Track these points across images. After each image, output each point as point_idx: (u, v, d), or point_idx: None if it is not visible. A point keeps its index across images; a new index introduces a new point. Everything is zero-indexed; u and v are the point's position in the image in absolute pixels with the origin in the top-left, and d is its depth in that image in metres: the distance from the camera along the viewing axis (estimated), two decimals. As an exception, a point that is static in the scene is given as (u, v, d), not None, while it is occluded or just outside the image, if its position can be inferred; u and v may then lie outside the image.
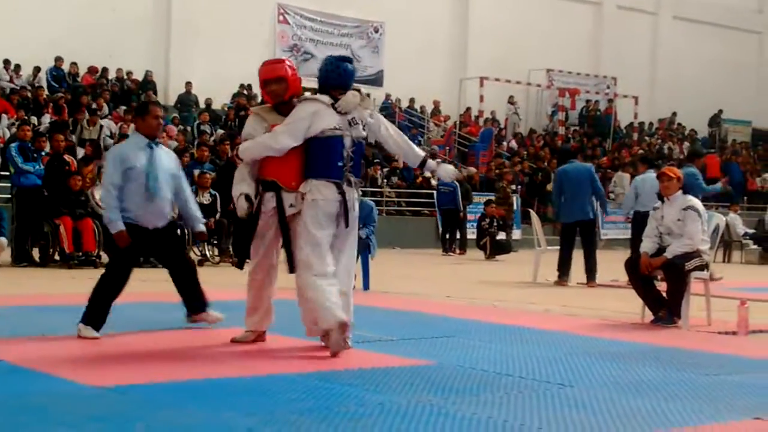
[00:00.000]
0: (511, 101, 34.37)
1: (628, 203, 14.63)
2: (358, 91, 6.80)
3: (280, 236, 6.86)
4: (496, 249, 20.65)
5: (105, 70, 26.22)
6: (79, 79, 25.69)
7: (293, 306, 6.80)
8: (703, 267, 9.10)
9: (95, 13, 26.43)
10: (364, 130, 6.86)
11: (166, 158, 7.69)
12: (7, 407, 4.88)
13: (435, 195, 24.06)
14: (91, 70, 25.97)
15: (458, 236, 22.51)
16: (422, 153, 7.15)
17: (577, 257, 13.90)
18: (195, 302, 7.88)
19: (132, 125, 19.12)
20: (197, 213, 8.02)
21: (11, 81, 24.33)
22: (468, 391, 5.53)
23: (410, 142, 7.18)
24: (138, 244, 7.44)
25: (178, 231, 8.72)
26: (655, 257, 9.01)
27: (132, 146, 7.59)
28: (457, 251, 22.10)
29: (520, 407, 5.13)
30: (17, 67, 24.84)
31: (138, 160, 7.39)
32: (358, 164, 6.92)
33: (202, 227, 8.12)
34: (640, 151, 32.33)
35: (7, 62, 24.62)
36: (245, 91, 27.69)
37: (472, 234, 22.22)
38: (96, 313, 7.30)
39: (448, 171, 7.25)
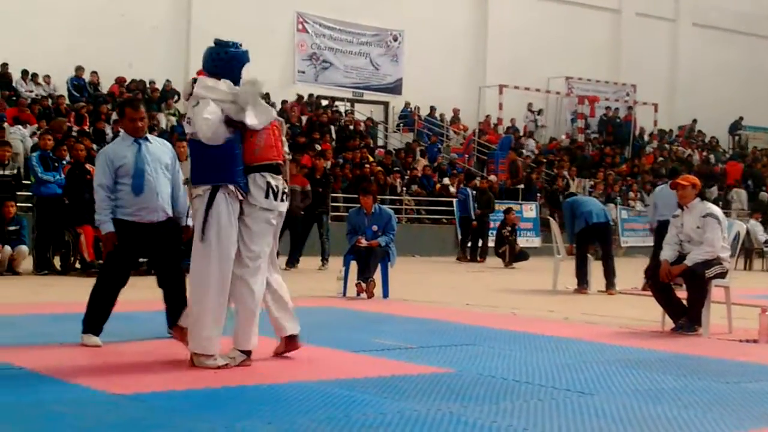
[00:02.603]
0: (530, 109, 34.35)
1: (650, 213, 14.71)
2: (194, 79, 6.44)
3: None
4: (516, 257, 20.60)
5: (137, 81, 26.31)
6: (100, 89, 25.81)
7: (309, 313, 6.78)
8: (724, 274, 9.05)
9: (113, 21, 26.55)
10: (189, 125, 6.44)
11: (158, 151, 7.52)
12: (26, 415, 4.90)
13: (454, 203, 24.07)
14: (119, 80, 26.07)
15: (479, 244, 22.42)
16: (222, 117, 6.31)
17: (596, 265, 13.85)
18: (177, 315, 7.50)
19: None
20: (184, 208, 7.65)
21: (31, 91, 24.46)
22: (488, 399, 5.52)
23: (208, 123, 6.25)
24: (133, 242, 7.37)
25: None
26: (676, 265, 8.97)
27: (119, 144, 7.57)
28: (478, 259, 22.02)
29: (540, 415, 5.12)
30: (34, 76, 24.96)
31: (125, 158, 7.34)
32: (193, 164, 6.51)
33: (187, 222, 7.60)
34: (660, 159, 32.25)
35: (25, 72, 24.76)
36: (265, 100, 27.71)
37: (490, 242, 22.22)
38: (95, 318, 7.34)
39: (245, 93, 6.36)
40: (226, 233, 6.37)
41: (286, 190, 6.65)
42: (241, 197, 6.44)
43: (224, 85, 6.45)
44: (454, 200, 24.33)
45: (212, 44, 6.67)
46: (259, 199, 6.48)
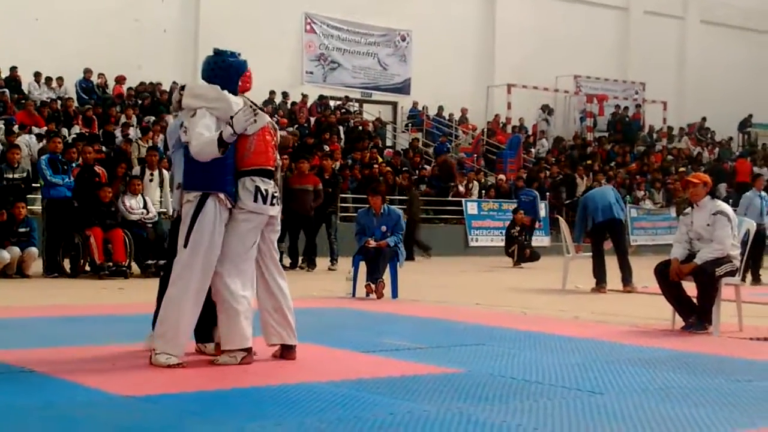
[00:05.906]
0: (542, 109, 34.25)
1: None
2: (183, 86, 6.56)
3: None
4: (528, 258, 20.44)
5: (143, 83, 26.35)
6: (108, 91, 25.85)
7: (318, 314, 6.77)
8: (734, 272, 9.03)
9: (123, 24, 26.63)
10: (185, 133, 6.45)
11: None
12: (38, 417, 4.91)
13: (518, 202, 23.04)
14: (119, 79, 26.07)
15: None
16: (215, 137, 6.27)
17: (611, 263, 13.82)
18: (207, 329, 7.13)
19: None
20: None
21: (41, 94, 24.49)
22: (497, 399, 5.52)
23: (200, 140, 6.31)
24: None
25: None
26: (686, 263, 8.96)
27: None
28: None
29: (549, 415, 5.11)
30: (48, 79, 25.05)
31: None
32: (186, 170, 6.49)
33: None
34: (669, 158, 32.06)
35: (37, 75, 24.81)
36: (273, 100, 27.77)
37: (499, 241, 22.07)
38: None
39: (238, 120, 6.27)
40: (210, 241, 6.38)
41: (276, 194, 6.65)
42: (230, 206, 6.47)
43: (213, 91, 6.50)
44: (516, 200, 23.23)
45: (211, 53, 6.72)
46: (247, 203, 6.50)
